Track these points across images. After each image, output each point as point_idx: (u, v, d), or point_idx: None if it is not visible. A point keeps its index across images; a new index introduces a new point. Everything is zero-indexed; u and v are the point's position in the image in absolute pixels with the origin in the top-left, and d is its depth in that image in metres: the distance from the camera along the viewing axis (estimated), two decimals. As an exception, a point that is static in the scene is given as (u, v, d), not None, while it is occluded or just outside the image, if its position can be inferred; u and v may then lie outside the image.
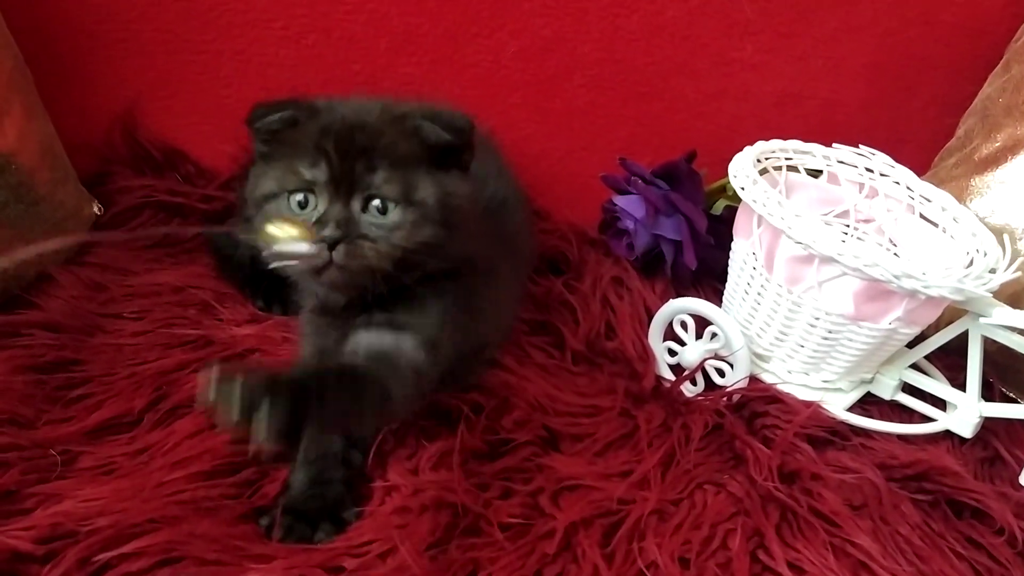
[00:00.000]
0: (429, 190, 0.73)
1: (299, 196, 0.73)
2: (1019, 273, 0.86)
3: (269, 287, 1.01)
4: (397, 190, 0.72)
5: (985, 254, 0.90)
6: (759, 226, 0.91)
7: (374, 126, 0.73)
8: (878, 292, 0.85)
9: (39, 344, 0.91)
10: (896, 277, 0.82)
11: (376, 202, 0.72)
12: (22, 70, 1.00)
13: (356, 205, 0.72)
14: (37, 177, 0.97)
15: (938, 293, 0.82)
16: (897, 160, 1.03)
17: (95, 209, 1.09)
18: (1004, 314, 0.85)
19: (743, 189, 0.91)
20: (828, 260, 0.85)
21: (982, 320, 0.87)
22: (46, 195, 0.98)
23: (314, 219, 0.71)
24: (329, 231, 0.70)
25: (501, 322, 0.94)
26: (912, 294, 0.83)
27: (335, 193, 0.72)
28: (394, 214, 0.72)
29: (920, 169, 1.14)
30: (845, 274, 0.85)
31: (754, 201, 0.89)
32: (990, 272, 0.86)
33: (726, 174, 0.96)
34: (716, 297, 1.08)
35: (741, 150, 0.98)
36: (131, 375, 0.89)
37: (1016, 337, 0.86)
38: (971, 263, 0.90)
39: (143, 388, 0.88)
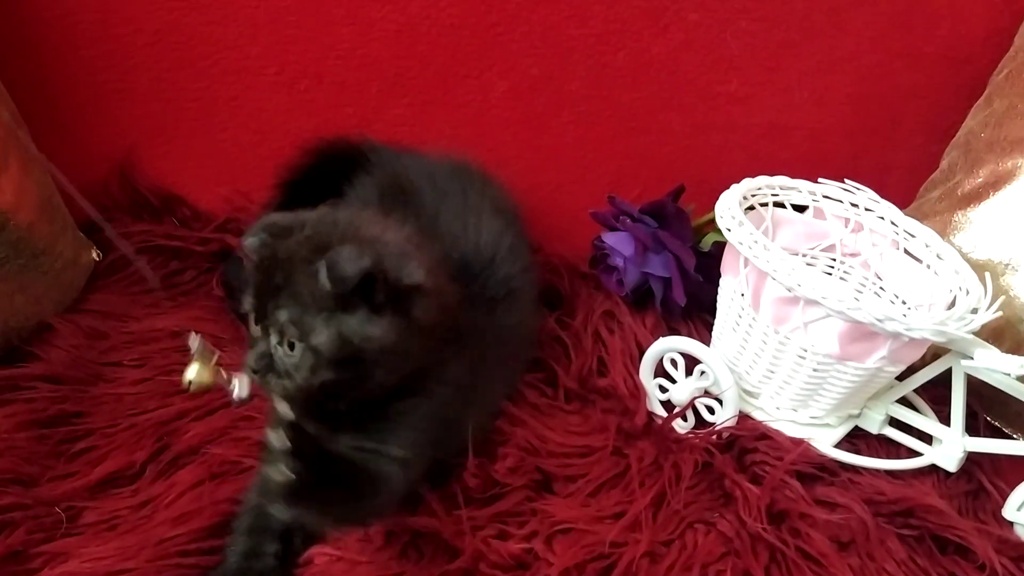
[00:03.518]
0: (323, 336, 0.71)
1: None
2: (1000, 312, 0.88)
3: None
4: (296, 332, 0.71)
5: (968, 292, 0.92)
6: (746, 266, 0.93)
7: (292, 263, 0.72)
8: (862, 333, 0.87)
9: (41, 398, 0.92)
10: (879, 320, 0.83)
11: (286, 341, 0.72)
12: (18, 125, 1.01)
13: (273, 339, 0.72)
14: (36, 231, 0.99)
15: (920, 335, 0.83)
16: (882, 188, 1.05)
17: (94, 255, 1.11)
18: (986, 356, 0.86)
19: (729, 231, 0.92)
20: (813, 302, 0.86)
21: (964, 363, 0.88)
22: (46, 248, 1.00)
23: (252, 342, 0.74)
24: (251, 361, 0.72)
25: (480, 421, 0.92)
26: (895, 335, 0.85)
27: (259, 322, 0.73)
28: (297, 354, 0.71)
29: (905, 197, 1.16)
30: (830, 315, 0.87)
31: (740, 243, 0.90)
32: (972, 312, 0.88)
33: (715, 205, 0.97)
34: (706, 330, 1.10)
35: (729, 180, 1.00)
36: (132, 426, 0.91)
37: (998, 375, 0.88)
38: (953, 301, 0.92)
39: (144, 439, 0.89)
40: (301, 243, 0.73)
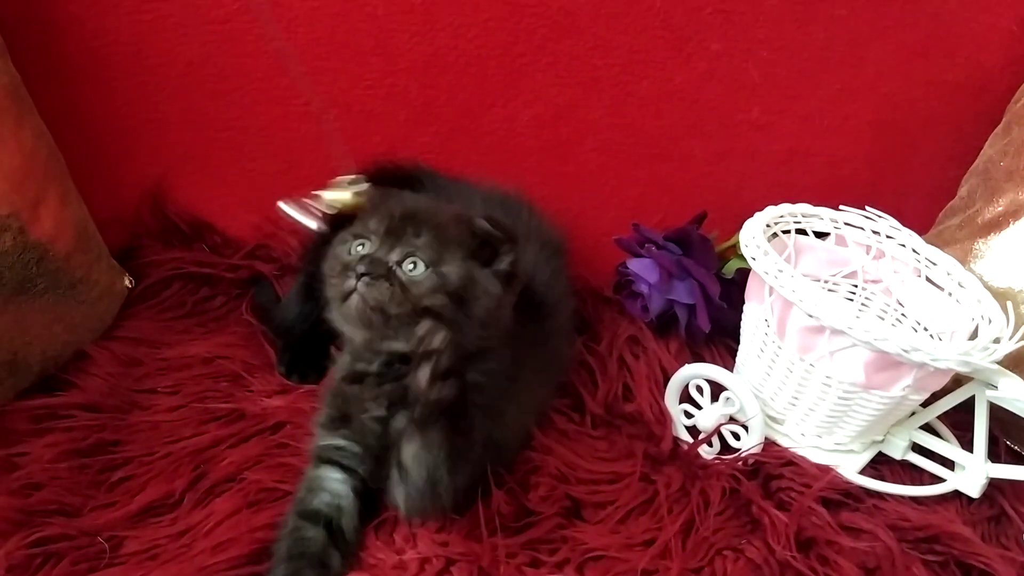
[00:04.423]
0: (456, 269, 0.83)
1: (359, 241, 0.84)
2: (1023, 343, 0.89)
3: (296, 354, 1.05)
4: (431, 256, 0.82)
5: (990, 321, 0.93)
6: (771, 294, 0.94)
7: (436, 210, 0.86)
8: (888, 363, 0.88)
9: (80, 426, 0.94)
10: (906, 351, 0.85)
11: (410, 260, 0.82)
12: (56, 158, 1.03)
13: (395, 256, 0.82)
14: (73, 261, 1.01)
15: (946, 366, 0.85)
16: (900, 214, 1.06)
17: (127, 283, 1.13)
18: (1011, 386, 0.87)
19: (754, 260, 0.93)
20: (839, 332, 0.88)
21: (988, 393, 0.90)
22: (82, 277, 1.02)
23: (359, 256, 0.83)
24: (362, 266, 0.81)
25: (517, 430, 0.96)
26: (921, 365, 0.86)
27: (383, 242, 0.83)
28: (419, 273, 0.82)
29: (923, 222, 1.17)
30: (856, 345, 0.88)
31: (766, 273, 0.92)
32: (995, 342, 0.89)
33: (737, 230, 0.99)
34: (729, 356, 1.12)
35: (750, 206, 1.02)
36: (168, 454, 0.93)
37: (1022, 405, 0.89)
38: (976, 330, 0.94)
39: (182, 467, 0.91)
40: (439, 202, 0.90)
